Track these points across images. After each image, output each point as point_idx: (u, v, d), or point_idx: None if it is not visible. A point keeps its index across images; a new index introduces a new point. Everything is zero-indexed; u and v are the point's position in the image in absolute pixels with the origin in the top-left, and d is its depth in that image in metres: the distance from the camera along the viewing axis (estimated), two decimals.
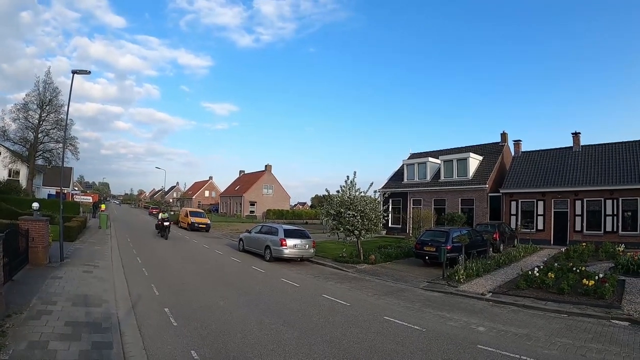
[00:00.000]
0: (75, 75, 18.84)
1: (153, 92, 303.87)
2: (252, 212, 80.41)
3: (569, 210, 30.87)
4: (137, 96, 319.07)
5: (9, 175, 54.12)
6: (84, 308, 10.19)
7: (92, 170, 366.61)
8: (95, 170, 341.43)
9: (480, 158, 38.54)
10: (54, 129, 51.36)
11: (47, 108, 50.30)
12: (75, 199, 56.97)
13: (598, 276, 14.27)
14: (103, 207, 45.79)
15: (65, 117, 39.44)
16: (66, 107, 26.26)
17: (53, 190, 63.02)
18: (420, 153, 46.41)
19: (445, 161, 39.11)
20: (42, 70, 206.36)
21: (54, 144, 51.86)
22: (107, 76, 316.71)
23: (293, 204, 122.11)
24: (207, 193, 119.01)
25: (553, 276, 15.08)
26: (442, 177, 38.94)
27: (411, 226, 38.17)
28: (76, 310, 9.94)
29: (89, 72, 19.26)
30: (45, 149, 51.89)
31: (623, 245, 23.28)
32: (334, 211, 22.57)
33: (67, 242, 20.83)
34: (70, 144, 50.36)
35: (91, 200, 60.75)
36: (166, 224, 31.25)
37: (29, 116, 49.75)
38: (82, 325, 8.82)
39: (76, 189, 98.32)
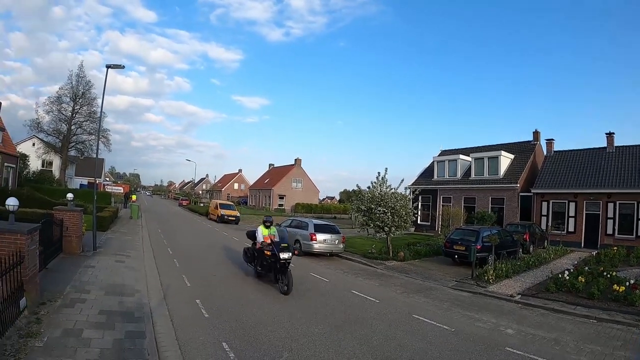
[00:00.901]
0: (110, 69, 19.19)
1: (184, 85, 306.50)
2: (280, 205, 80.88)
3: (601, 212, 30.39)
4: (168, 89, 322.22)
5: (43, 166, 55.65)
6: (117, 297, 10.48)
7: (123, 162, 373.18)
8: (126, 161, 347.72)
9: (512, 157, 38.14)
10: (86, 121, 52.76)
11: (80, 101, 51.56)
12: (106, 190, 58.23)
13: (629, 282, 14.20)
14: (134, 197, 46.57)
15: (98, 109, 40.25)
16: (100, 100, 26.99)
17: (85, 181, 64.45)
18: (451, 150, 46.12)
19: (476, 159, 38.88)
20: (74, 64, 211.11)
21: (87, 135, 53.32)
22: (139, 69, 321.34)
23: (322, 198, 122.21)
24: (236, 186, 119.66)
25: (583, 280, 15.04)
26: (472, 175, 38.72)
27: (440, 224, 38.12)
28: (109, 299, 10.23)
29: (123, 67, 19.62)
30: (77, 140, 53.20)
31: None
32: (364, 207, 22.70)
33: (100, 231, 21.26)
34: (102, 136, 51.39)
35: (122, 191, 62.01)
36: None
37: (62, 109, 51.10)
38: (115, 314, 9.08)
39: (107, 179, 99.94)
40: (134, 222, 32.97)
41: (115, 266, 14.51)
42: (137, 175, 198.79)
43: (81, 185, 61.91)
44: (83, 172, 65.79)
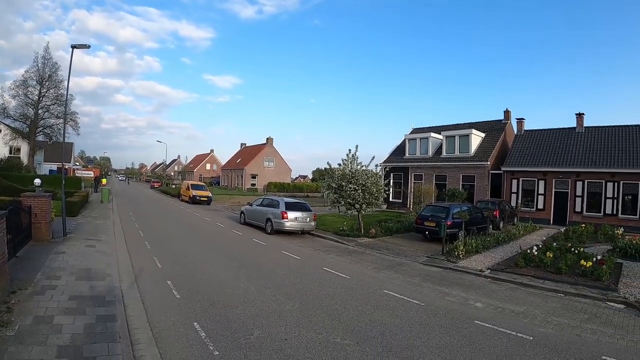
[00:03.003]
0: (75, 49, 18.65)
1: (154, 64, 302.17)
2: (253, 185, 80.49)
3: (569, 190, 31.00)
4: (138, 69, 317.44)
5: (10, 153, 54.08)
6: (88, 282, 10.29)
7: (92, 145, 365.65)
8: (96, 144, 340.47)
9: (483, 135, 38.49)
10: (54, 104, 51.17)
11: (46, 84, 49.93)
12: (76, 174, 57.18)
13: (596, 258, 14.44)
14: (104, 181, 45.86)
15: (65, 92, 39.28)
16: (66, 82, 26.04)
17: (54, 166, 62.98)
18: (423, 128, 46.31)
19: (447, 137, 39.05)
20: (40, 45, 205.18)
21: (55, 119, 51.70)
22: (107, 49, 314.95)
23: (294, 177, 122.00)
24: (208, 166, 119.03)
25: (551, 256, 15.26)
26: (444, 153, 38.94)
27: (412, 201, 38.30)
28: (80, 284, 10.05)
29: (89, 47, 19.03)
30: (45, 125, 51.67)
31: (622, 229, 23.42)
32: (335, 184, 22.66)
33: (70, 217, 20.92)
34: (70, 119, 50.03)
35: (92, 175, 60.88)
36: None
37: (29, 92, 49.50)
38: (86, 299, 8.94)
39: (77, 164, 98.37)
40: (105, 206, 32.40)
41: (86, 251, 14.21)
42: (108, 159, 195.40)
43: (50, 171, 60.46)
44: (52, 158, 64.17)
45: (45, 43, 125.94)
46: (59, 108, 50.54)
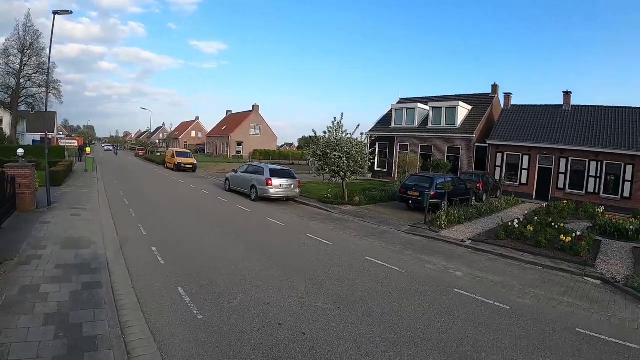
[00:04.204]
0: (57, 15, 18.20)
1: (138, 30, 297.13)
2: (238, 152, 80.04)
3: (553, 167, 31.20)
4: (122, 35, 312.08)
5: None
6: (73, 250, 10.27)
7: (76, 114, 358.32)
8: (80, 113, 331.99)
9: (470, 108, 38.38)
10: (36, 73, 50.08)
11: (28, 52, 48.71)
12: (60, 144, 56.08)
13: (575, 234, 14.62)
14: (88, 150, 45.20)
15: (47, 60, 38.80)
16: (48, 50, 25.43)
17: (38, 136, 61.49)
18: (410, 98, 45.83)
19: (434, 108, 38.85)
20: (21, 13, 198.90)
21: (37, 88, 50.64)
22: (90, 15, 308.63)
23: (280, 145, 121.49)
24: (193, 133, 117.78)
25: (532, 229, 15.48)
26: (430, 124, 38.79)
27: (397, 170, 38.44)
28: (65, 253, 10.03)
29: (71, 12, 18.56)
30: (27, 94, 50.72)
31: (603, 207, 23.63)
32: (320, 152, 22.63)
33: (54, 186, 20.77)
34: (53, 87, 49.07)
35: (76, 144, 59.85)
36: None
37: (10, 62, 48.46)
38: (71, 267, 8.95)
39: (61, 133, 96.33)
40: (90, 175, 31.97)
41: (70, 220, 14.12)
42: (92, 128, 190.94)
43: (34, 141, 59.06)
44: (35, 128, 62.41)
45: (26, 10, 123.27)
46: (41, 77, 49.41)
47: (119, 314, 6.90)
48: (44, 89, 47.04)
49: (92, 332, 6.11)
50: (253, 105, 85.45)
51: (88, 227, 13.26)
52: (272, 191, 21.89)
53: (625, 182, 28.11)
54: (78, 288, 7.76)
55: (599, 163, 29.05)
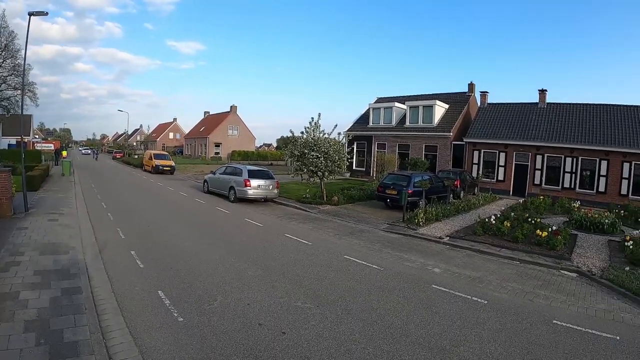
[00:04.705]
0: (32, 16, 17.88)
1: (115, 30, 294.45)
2: (217, 153, 79.50)
3: (529, 163, 31.61)
4: (98, 35, 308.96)
5: None
6: (52, 256, 10.10)
7: (52, 116, 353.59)
8: (56, 115, 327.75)
9: (446, 106, 38.66)
10: (10, 75, 48.29)
11: (2, 54, 47.45)
12: (36, 147, 55.27)
13: (551, 228, 14.81)
14: (64, 153, 44.52)
15: (22, 62, 38.07)
16: (23, 51, 24.96)
17: (13, 140, 60.20)
18: (387, 98, 46.11)
19: (411, 107, 39.09)
20: None
21: (12, 91, 48.88)
22: (66, 15, 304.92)
23: (259, 145, 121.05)
24: (171, 135, 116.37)
25: (509, 225, 15.60)
26: (407, 123, 38.99)
27: (375, 169, 38.52)
28: (44, 259, 9.86)
29: (47, 14, 18.21)
30: (2, 97, 49.10)
31: (579, 202, 24.05)
32: (298, 152, 22.57)
33: (31, 191, 20.41)
34: (28, 90, 47.97)
35: (53, 148, 58.99)
36: None
37: None
38: (50, 273, 8.81)
39: (37, 136, 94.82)
40: (67, 179, 31.46)
41: (48, 225, 13.88)
42: (68, 130, 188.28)
43: (10, 145, 57.73)
44: (11, 132, 61.03)
45: (0, 11, 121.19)
46: (16, 79, 47.78)
47: (100, 319, 6.81)
48: (19, 91, 46.07)
49: (73, 338, 6.03)
50: (231, 106, 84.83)
51: (66, 232, 13.04)
52: (251, 192, 21.77)
53: (601, 177, 28.68)
54: (58, 294, 7.64)
55: (574, 159, 29.55)
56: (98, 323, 6.64)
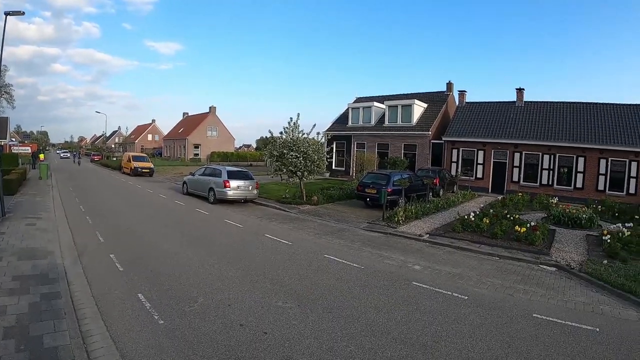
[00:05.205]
0: (9, 16, 17.63)
1: (93, 30, 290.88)
2: (196, 154, 78.78)
3: (507, 161, 31.93)
4: (76, 36, 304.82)
5: None
6: (30, 261, 9.92)
7: (29, 119, 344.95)
8: (33, 118, 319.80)
9: (425, 105, 38.85)
10: None
11: None
12: (13, 151, 54.28)
13: (530, 224, 14.99)
14: (42, 156, 43.83)
15: None
16: None
17: None
18: (366, 97, 46.25)
19: (390, 106, 39.20)
20: None
21: None
22: (43, 15, 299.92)
23: (238, 146, 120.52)
24: (150, 137, 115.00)
25: (488, 222, 15.70)
26: (386, 122, 39.11)
27: (354, 169, 38.57)
28: (22, 264, 9.68)
29: (23, 13, 18.11)
30: None
31: (557, 198, 24.45)
32: (277, 152, 22.50)
33: (8, 195, 20.05)
34: (5, 92, 47.38)
35: (30, 151, 57.99)
36: None
37: None
38: (29, 278, 8.66)
39: (14, 139, 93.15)
40: (44, 182, 30.92)
41: (26, 230, 13.61)
42: (46, 133, 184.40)
43: None
44: None
45: None
46: None
47: (80, 324, 6.70)
48: None
49: (53, 344, 5.92)
50: (210, 107, 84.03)
51: (44, 236, 12.80)
52: (230, 193, 21.65)
53: (578, 174, 29.09)
54: (37, 299, 7.50)
55: (552, 156, 29.92)
56: (78, 328, 6.54)
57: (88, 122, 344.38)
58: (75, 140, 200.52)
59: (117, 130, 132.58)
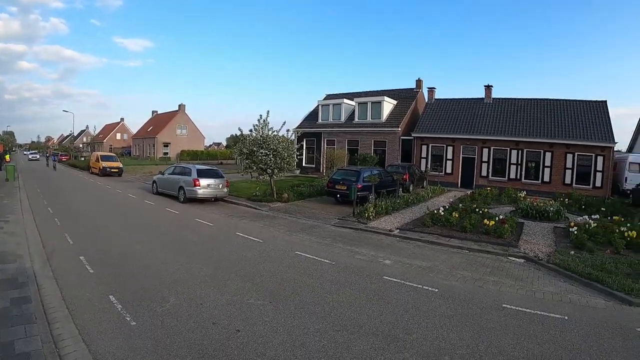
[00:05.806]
0: None
1: (60, 27, 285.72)
2: (166, 154, 77.82)
3: (476, 156, 32.39)
4: (43, 32, 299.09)
5: None
6: None
7: None
8: None
9: (395, 102, 39.10)
10: None
11: None
12: None
13: (498, 217, 15.19)
14: (7, 158, 42.89)
15: None
16: None
17: None
18: (336, 94, 46.48)
19: (360, 103, 39.36)
20: None
21: None
22: (9, 10, 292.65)
23: (208, 145, 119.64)
24: (118, 136, 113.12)
25: (457, 216, 15.89)
26: (356, 119, 39.26)
27: (324, 166, 38.60)
28: None
29: None
30: None
31: (525, 192, 24.80)
32: (246, 150, 22.35)
33: None
34: None
35: None
36: None
37: None
38: None
39: None
40: (11, 184, 30.15)
41: None
42: (12, 133, 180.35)
43: None
44: None
45: None
46: None
47: (51, 328, 6.55)
48: None
49: (25, 349, 5.79)
50: (179, 105, 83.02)
51: (12, 239, 12.46)
52: (200, 192, 21.44)
53: (545, 168, 29.77)
54: (6, 304, 7.31)
55: (520, 151, 30.49)
56: (50, 332, 6.41)
57: (55, 121, 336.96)
58: (43, 140, 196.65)
59: (85, 130, 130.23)
